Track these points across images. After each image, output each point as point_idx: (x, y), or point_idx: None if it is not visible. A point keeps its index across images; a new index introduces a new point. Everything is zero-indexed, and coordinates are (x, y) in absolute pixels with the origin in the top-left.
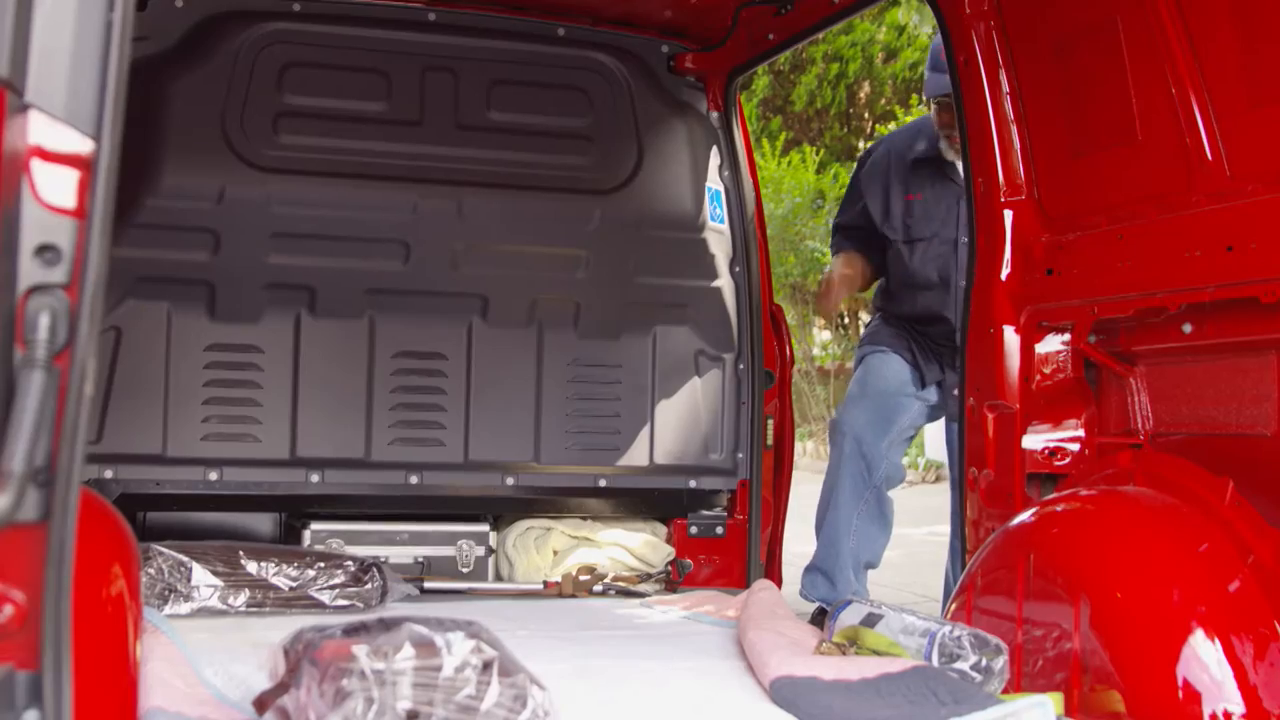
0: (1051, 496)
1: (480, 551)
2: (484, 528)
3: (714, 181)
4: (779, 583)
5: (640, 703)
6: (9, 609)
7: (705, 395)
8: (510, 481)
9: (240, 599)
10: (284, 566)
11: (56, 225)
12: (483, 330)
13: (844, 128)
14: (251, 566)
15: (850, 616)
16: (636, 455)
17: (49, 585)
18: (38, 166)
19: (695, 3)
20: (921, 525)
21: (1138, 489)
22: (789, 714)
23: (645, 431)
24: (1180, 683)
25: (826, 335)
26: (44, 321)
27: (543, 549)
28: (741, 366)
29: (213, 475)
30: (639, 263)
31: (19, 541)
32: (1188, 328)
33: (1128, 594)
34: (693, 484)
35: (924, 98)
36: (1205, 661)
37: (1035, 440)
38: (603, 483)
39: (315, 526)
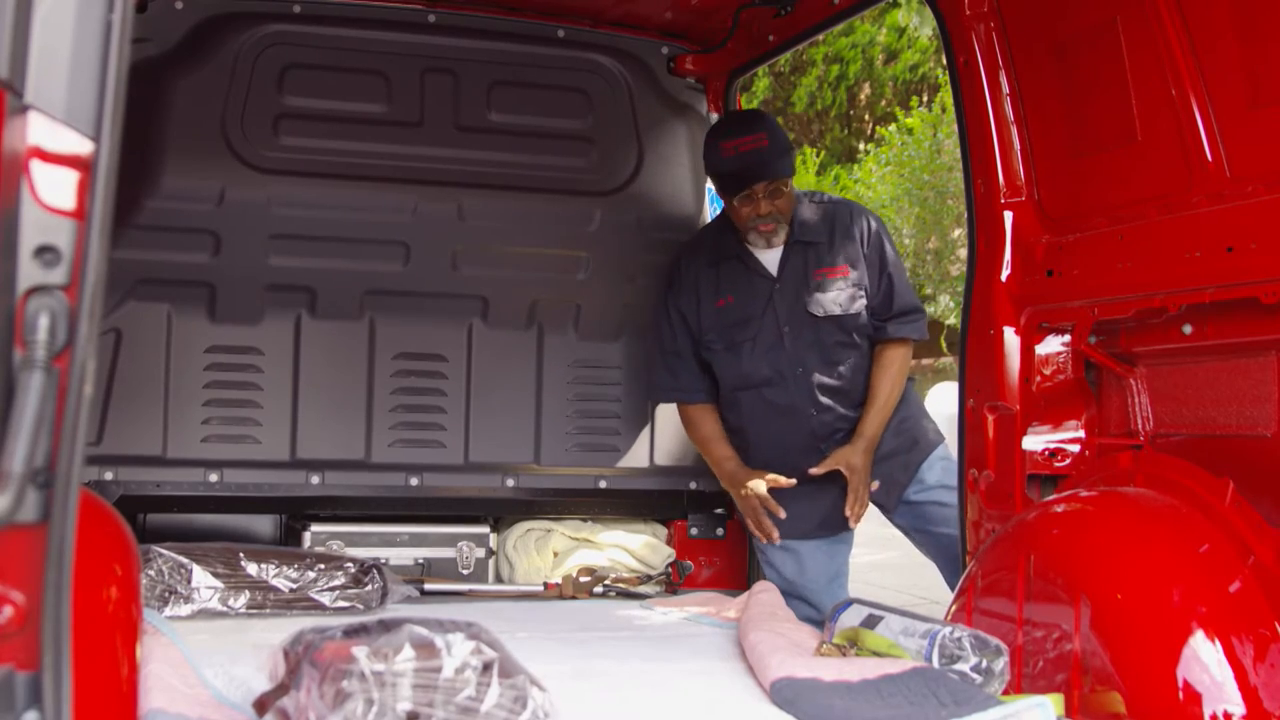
0: (1052, 497)
1: (480, 553)
2: (484, 529)
3: None
4: None
5: (640, 704)
6: (9, 610)
7: None
8: (510, 483)
9: (240, 601)
10: (284, 568)
11: (56, 226)
12: (483, 332)
13: (844, 129)
14: (252, 568)
15: (850, 618)
16: (637, 456)
17: (49, 586)
18: (37, 167)
19: (696, 4)
20: None
21: (1138, 490)
22: (790, 715)
23: (645, 433)
24: (1181, 683)
25: None
26: (43, 322)
27: (543, 550)
28: None
29: (213, 477)
30: (639, 264)
31: (19, 542)
32: (1188, 328)
33: (1128, 595)
34: (693, 485)
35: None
36: (1205, 662)
37: (1035, 441)
38: (603, 484)
39: (315, 528)
